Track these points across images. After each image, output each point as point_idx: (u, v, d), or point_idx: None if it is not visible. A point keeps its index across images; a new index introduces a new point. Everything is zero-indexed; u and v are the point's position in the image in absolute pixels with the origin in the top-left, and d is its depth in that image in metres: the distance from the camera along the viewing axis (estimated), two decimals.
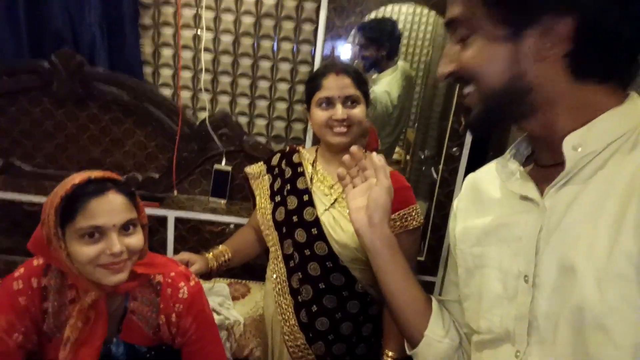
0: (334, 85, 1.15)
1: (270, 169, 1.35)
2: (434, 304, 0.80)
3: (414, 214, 1.17)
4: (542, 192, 0.61)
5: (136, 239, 0.90)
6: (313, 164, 1.27)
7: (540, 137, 0.63)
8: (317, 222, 1.19)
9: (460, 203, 0.79)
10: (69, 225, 0.85)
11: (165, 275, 1.00)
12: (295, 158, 1.31)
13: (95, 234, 0.85)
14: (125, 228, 0.89)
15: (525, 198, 0.63)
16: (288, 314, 1.22)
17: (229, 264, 1.33)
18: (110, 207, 0.86)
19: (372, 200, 0.76)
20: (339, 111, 1.14)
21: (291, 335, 1.22)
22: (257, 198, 1.34)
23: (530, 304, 0.59)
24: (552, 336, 0.56)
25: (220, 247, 1.33)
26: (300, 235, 1.21)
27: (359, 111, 1.16)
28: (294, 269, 1.22)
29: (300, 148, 1.34)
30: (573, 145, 0.57)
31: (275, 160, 1.35)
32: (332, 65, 1.20)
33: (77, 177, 0.87)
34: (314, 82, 1.19)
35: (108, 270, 0.87)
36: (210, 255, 1.29)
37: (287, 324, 1.22)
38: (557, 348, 0.56)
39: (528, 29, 0.55)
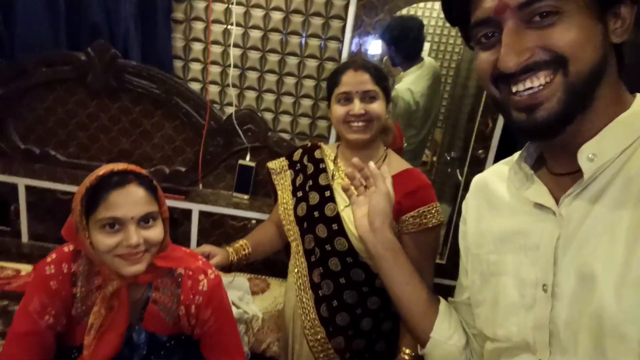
0: (352, 80, 1.15)
1: (292, 165, 1.36)
2: (442, 305, 0.80)
3: (433, 211, 1.15)
4: (556, 200, 0.61)
5: (155, 232, 0.92)
6: (334, 161, 1.28)
7: (561, 144, 0.60)
8: (337, 217, 1.19)
9: (469, 204, 0.78)
10: (92, 215, 0.88)
11: (186, 268, 1.02)
12: (317, 154, 1.32)
13: (115, 225, 0.88)
14: (144, 221, 0.91)
15: (540, 206, 0.62)
16: (309, 308, 1.24)
17: (249, 258, 1.35)
18: (130, 200, 0.88)
19: (372, 207, 0.79)
20: (357, 106, 1.14)
21: (312, 329, 1.23)
22: (279, 193, 1.36)
23: (550, 313, 0.59)
24: (573, 345, 0.56)
25: (241, 241, 1.35)
26: (321, 230, 1.21)
27: (377, 106, 1.16)
28: (315, 264, 1.23)
29: (322, 144, 1.35)
30: (588, 156, 0.56)
31: (297, 155, 1.36)
32: (351, 61, 1.21)
33: (102, 169, 0.90)
34: (333, 78, 1.20)
35: (126, 261, 0.90)
36: (230, 248, 1.31)
37: (308, 317, 1.24)
38: (578, 357, 0.56)
39: (612, 9, 0.54)
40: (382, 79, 1.18)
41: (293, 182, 1.33)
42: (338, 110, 1.18)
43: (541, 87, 0.55)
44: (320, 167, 1.29)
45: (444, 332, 0.78)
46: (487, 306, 0.70)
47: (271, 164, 1.41)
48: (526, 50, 0.54)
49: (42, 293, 0.95)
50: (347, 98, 1.16)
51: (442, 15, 2.29)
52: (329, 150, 1.32)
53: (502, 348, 0.67)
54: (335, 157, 1.28)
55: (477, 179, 0.79)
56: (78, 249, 0.99)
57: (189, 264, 1.03)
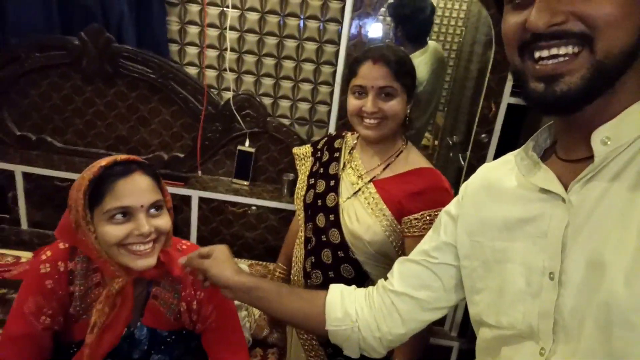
0: (369, 74, 1.07)
1: (315, 152, 1.34)
2: (328, 295, 0.85)
3: None
4: (565, 187, 0.59)
5: (164, 221, 0.91)
6: (351, 151, 1.23)
7: (575, 127, 0.58)
8: (336, 208, 1.17)
9: (468, 189, 0.76)
10: (97, 208, 0.85)
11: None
12: (337, 143, 1.28)
13: (124, 214, 0.86)
14: (152, 209, 0.89)
15: (547, 192, 0.61)
16: None
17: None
18: (137, 188, 0.87)
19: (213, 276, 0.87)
20: (369, 103, 1.07)
21: None
22: (299, 178, 1.34)
23: (556, 301, 0.58)
24: (577, 333, 0.55)
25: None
26: (320, 220, 1.20)
27: (393, 104, 1.07)
28: (310, 253, 1.22)
29: (349, 134, 1.30)
30: (602, 139, 0.54)
31: (321, 144, 1.34)
32: (373, 50, 1.10)
33: (103, 161, 0.88)
34: (352, 67, 1.13)
35: (135, 255, 0.87)
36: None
37: None
38: (582, 345, 0.55)
39: None
40: (404, 74, 1.08)
41: (311, 169, 1.31)
42: (352, 103, 1.11)
43: (567, 58, 0.52)
44: (335, 156, 1.26)
45: (335, 320, 0.82)
46: (490, 293, 0.69)
47: (296, 150, 1.39)
48: (560, 13, 0.51)
49: (37, 293, 0.92)
50: (362, 92, 1.09)
51: None
52: (350, 140, 1.27)
53: (505, 336, 0.66)
54: (353, 147, 1.24)
55: (482, 168, 0.77)
56: (74, 246, 0.96)
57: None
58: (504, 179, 0.70)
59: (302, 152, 1.37)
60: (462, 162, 1.91)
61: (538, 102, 0.56)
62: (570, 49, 0.52)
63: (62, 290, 0.93)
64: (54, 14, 1.78)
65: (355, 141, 1.25)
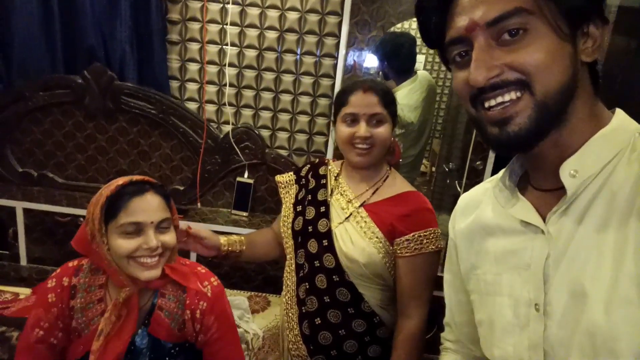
0: (360, 102, 1.14)
1: (298, 179, 1.36)
2: None
3: (431, 237, 1.13)
4: (543, 218, 0.61)
5: (170, 237, 0.99)
6: (337, 177, 1.28)
7: (541, 159, 0.61)
8: (329, 233, 1.19)
9: (457, 225, 0.78)
10: (111, 222, 0.94)
11: (193, 275, 1.07)
12: (322, 170, 1.32)
13: (136, 229, 0.94)
14: (160, 226, 0.97)
15: (527, 224, 0.63)
16: (293, 323, 1.24)
17: (240, 255, 1.34)
18: (149, 206, 0.95)
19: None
20: (362, 129, 1.13)
21: (294, 344, 1.23)
22: (283, 206, 1.36)
23: (544, 332, 0.59)
24: None
25: (236, 236, 1.34)
26: (312, 245, 1.21)
27: (383, 130, 1.15)
28: (303, 279, 1.22)
29: (331, 161, 1.35)
30: (570, 172, 0.57)
31: (304, 171, 1.37)
32: (361, 82, 1.19)
33: (120, 180, 0.97)
34: (341, 98, 1.19)
35: (143, 266, 0.95)
36: (224, 240, 1.30)
37: (292, 333, 1.24)
38: None
39: (581, 28, 0.55)
40: (390, 102, 1.17)
41: (296, 196, 1.33)
42: (343, 130, 1.16)
43: (511, 103, 0.56)
44: (321, 182, 1.29)
45: None
46: (485, 326, 0.70)
47: (279, 177, 1.42)
48: (495, 67, 0.56)
49: (38, 306, 1.00)
50: (354, 119, 1.15)
51: None
52: (334, 167, 1.31)
53: None
54: (338, 174, 1.28)
55: (463, 199, 0.80)
56: (81, 263, 1.04)
57: (193, 279, 1.06)
58: (486, 209, 0.71)
59: (286, 180, 1.39)
60: (459, 189, 1.93)
61: (496, 144, 0.60)
62: (513, 95, 0.56)
63: (62, 304, 1.00)
64: (58, 54, 1.83)
65: (340, 168, 1.29)
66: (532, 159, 0.64)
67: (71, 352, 1.01)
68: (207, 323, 1.04)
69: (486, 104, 0.59)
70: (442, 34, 0.62)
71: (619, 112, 0.60)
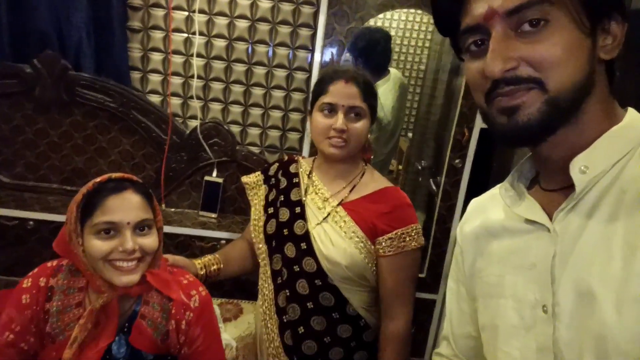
0: (340, 92, 1.08)
1: (267, 179, 1.29)
2: None
3: (413, 233, 1.09)
4: (550, 216, 0.60)
5: (150, 240, 0.92)
6: (309, 175, 1.21)
7: (551, 157, 0.60)
8: (307, 236, 1.12)
9: (465, 229, 0.77)
10: (87, 221, 0.88)
11: (176, 284, 1.01)
12: (292, 168, 1.25)
13: (111, 230, 0.88)
14: (140, 228, 0.91)
15: (533, 222, 0.62)
16: (273, 334, 1.16)
17: (219, 275, 1.25)
18: (126, 205, 0.89)
19: None
20: (340, 121, 1.08)
21: (276, 357, 1.16)
22: (252, 209, 1.29)
23: (553, 335, 0.56)
24: None
25: (210, 256, 1.25)
26: (289, 249, 1.14)
27: (360, 125, 1.10)
28: (282, 286, 1.15)
29: (300, 158, 1.29)
30: (580, 168, 0.56)
31: (273, 170, 1.29)
32: (342, 71, 1.12)
33: (99, 177, 0.92)
34: (320, 85, 1.13)
35: (119, 271, 0.89)
36: (200, 263, 1.21)
37: (272, 345, 1.16)
38: None
39: (602, 24, 0.55)
40: (371, 95, 1.12)
41: (266, 197, 1.26)
42: (320, 120, 1.10)
43: (524, 94, 0.55)
44: (294, 181, 1.22)
45: None
46: (488, 331, 0.69)
47: (245, 178, 1.34)
48: (511, 60, 0.54)
49: (11, 307, 0.93)
50: (332, 109, 1.10)
51: (403, 25, 2.30)
52: (305, 164, 1.25)
53: None
54: (310, 171, 1.22)
55: (472, 203, 0.79)
56: (61, 264, 0.98)
57: (175, 287, 1.00)
58: (494, 212, 0.71)
59: (253, 180, 1.32)
60: (434, 187, 1.91)
61: (503, 135, 0.59)
62: (524, 87, 0.55)
63: (37, 306, 0.94)
64: (4, 39, 1.66)
65: (312, 165, 1.23)
66: (541, 156, 0.62)
67: (43, 359, 0.94)
68: (193, 335, 0.99)
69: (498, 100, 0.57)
70: (456, 21, 0.60)
71: (631, 110, 0.60)
